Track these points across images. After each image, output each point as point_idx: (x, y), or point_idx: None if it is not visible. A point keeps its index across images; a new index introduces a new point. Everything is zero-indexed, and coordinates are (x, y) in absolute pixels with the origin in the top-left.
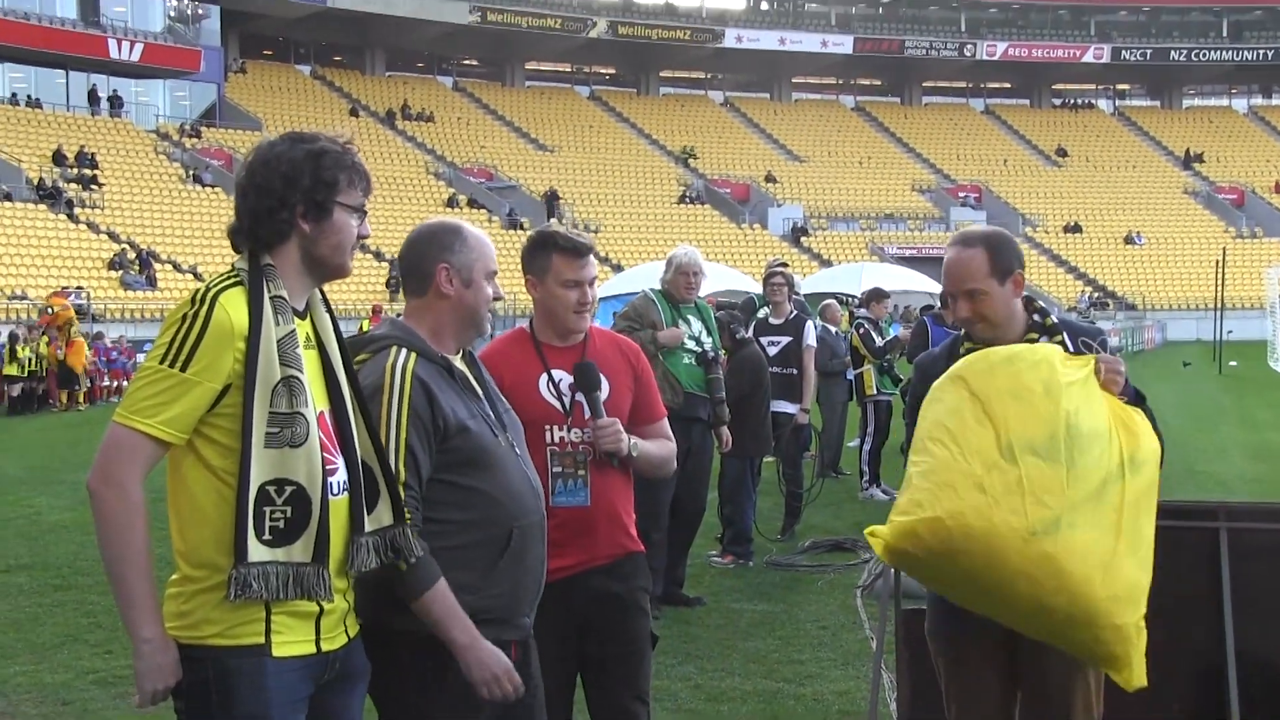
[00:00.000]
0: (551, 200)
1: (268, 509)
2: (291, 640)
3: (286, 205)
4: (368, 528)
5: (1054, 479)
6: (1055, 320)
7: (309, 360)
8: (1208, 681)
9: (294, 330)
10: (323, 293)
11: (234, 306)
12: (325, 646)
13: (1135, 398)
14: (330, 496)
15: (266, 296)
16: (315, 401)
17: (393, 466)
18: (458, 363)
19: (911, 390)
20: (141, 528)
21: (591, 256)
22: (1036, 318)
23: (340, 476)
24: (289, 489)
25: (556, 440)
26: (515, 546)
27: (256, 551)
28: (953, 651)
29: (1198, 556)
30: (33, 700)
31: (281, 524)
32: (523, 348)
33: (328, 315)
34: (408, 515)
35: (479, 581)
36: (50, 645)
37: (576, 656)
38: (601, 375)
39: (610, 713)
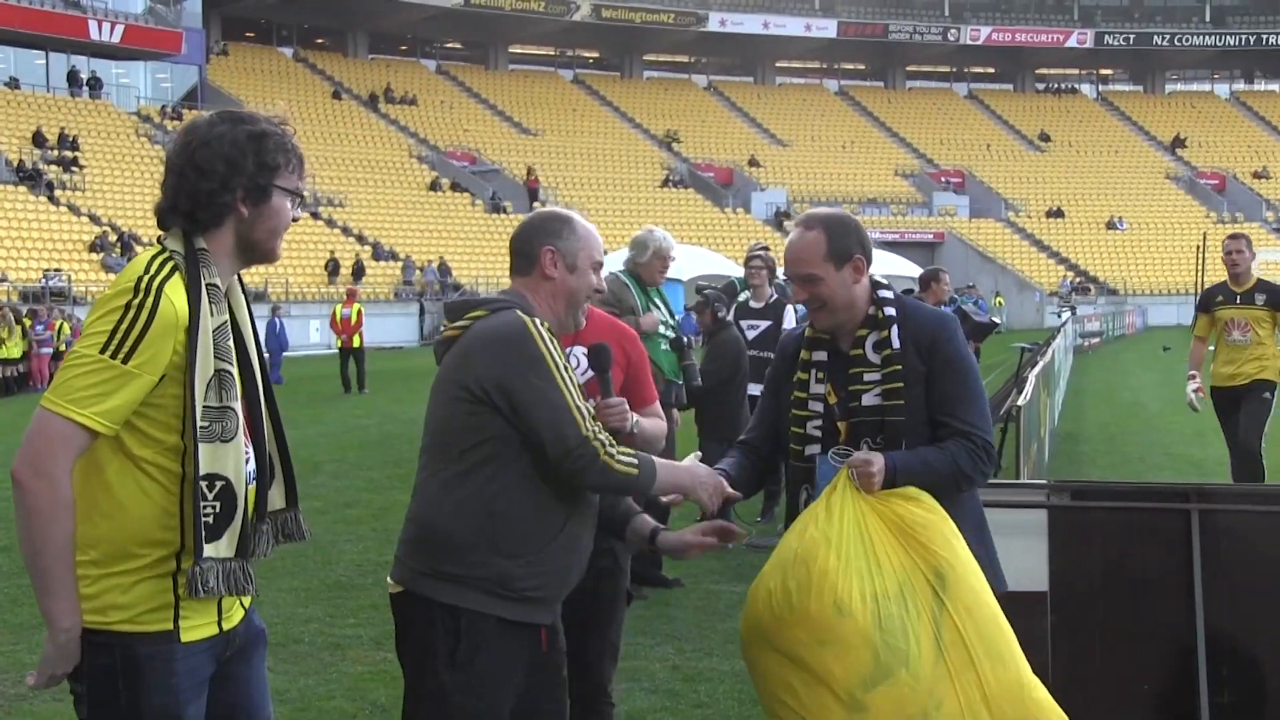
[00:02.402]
0: (531, 180)
1: (202, 504)
2: (198, 624)
3: (228, 188)
4: (267, 510)
5: (907, 694)
6: (890, 313)
7: None
8: (1178, 661)
9: (226, 321)
10: (240, 278)
11: (177, 297)
12: (226, 625)
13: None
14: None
15: (203, 284)
16: None
17: (570, 402)
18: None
19: (770, 369)
20: (67, 520)
21: None
22: (872, 310)
23: (252, 465)
24: (219, 484)
25: None
26: (570, 531)
27: (204, 548)
28: None
29: (1170, 538)
30: (11, 680)
31: (211, 519)
32: None
33: (244, 298)
34: (601, 435)
35: (530, 557)
36: (28, 626)
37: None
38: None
39: (581, 660)
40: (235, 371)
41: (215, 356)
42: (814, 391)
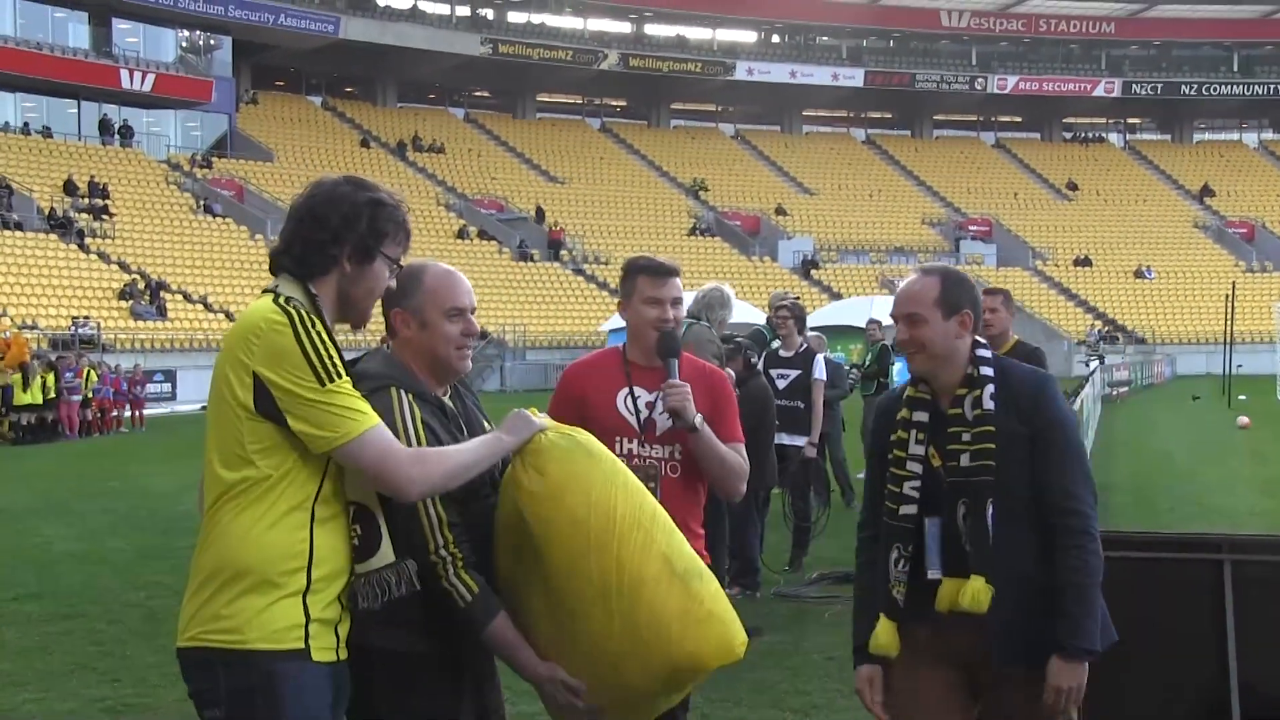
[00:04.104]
0: (555, 230)
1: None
2: (324, 647)
3: (338, 242)
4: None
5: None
6: (986, 372)
7: None
8: (1211, 715)
9: (344, 361)
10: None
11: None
12: (342, 655)
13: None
14: None
15: (326, 323)
16: None
17: (429, 513)
18: (447, 401)
19: (869, 437)
20: (441, 449)
21: (675, 279)
22: (970, 369)
23: None
24: (352, 507)
25: (625, 452)
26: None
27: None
28: (908, 681)
29: (1202, 589)
30: None
31: (358, 542)
32: (611, 363)
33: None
34: (459, 554)
35: (414, 626)
36: (59, 673)
37: None
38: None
39: None
40: None
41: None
42: (913, 452)
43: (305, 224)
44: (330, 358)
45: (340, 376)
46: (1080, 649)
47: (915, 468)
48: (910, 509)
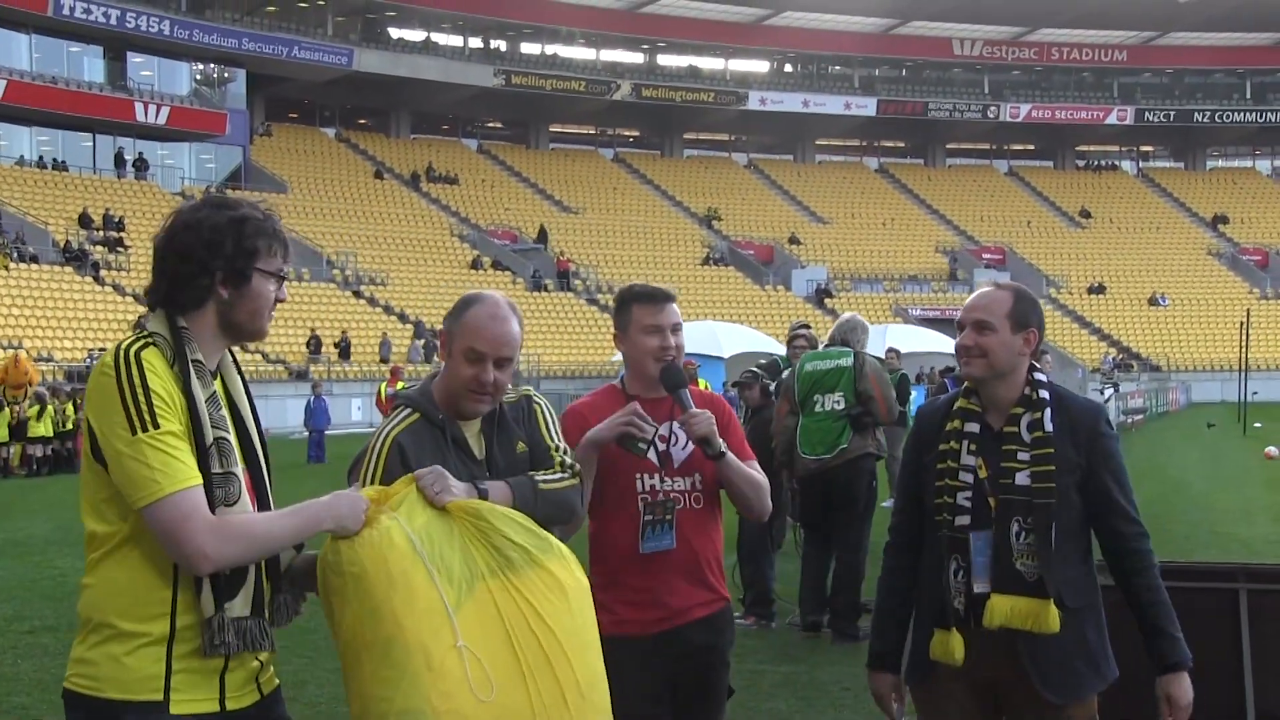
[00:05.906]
0: (562, 260)
1: None
2: (192, 698)
3: (207, 271)
4: (282, 580)
5: None
6: (1044, 395)
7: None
8: None
9: (215, 393)
10: (232, 353)
11: (157, 361)
12: (231, 705)
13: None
14: None
15: (189, 359)
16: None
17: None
18: (469, 428)
19: (908, 442)
20: (248, 518)
21: (672, 305)
22: (1027, 390)
23: None
24: None
25: (648, 489)
26: None
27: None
28: (930, 704)
29: (1218, 618)
30: None
31: (221, 580)
32: (613, 400)
33: (238, 376)
34: None
35: None
36: None
37: (670, 709)
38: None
39: None
40: (234, 440)
41: (212, 425)
42: (965, 463)
43: (169, 259)
44: (148, 405)
45: (156, 427)
46: (1188, 662)
47: (967, 478)
48: (965, 519)
